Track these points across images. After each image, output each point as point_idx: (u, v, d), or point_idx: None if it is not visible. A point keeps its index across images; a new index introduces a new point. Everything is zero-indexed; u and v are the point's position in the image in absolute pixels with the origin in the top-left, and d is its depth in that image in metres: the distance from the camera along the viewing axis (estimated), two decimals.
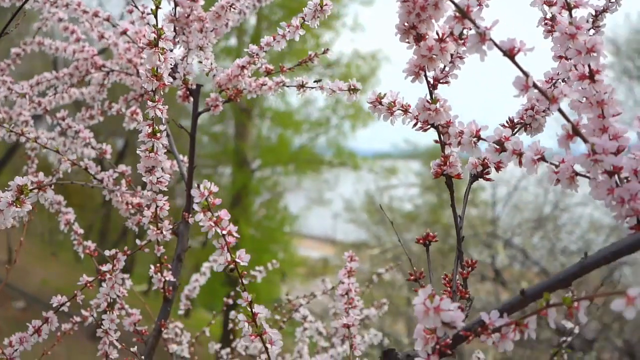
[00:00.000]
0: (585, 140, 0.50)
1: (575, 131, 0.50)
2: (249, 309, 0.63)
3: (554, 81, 0.68)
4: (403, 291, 7.25)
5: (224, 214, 0.62)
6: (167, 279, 0.96)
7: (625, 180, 0.51)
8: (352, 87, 0.83)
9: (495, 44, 0.49)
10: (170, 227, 0.89)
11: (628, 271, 6.01)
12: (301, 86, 0.93)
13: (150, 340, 0.98)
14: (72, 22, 1.24)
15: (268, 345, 0.63)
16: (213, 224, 0.61)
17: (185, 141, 1.07)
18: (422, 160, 11.35)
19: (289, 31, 0.87)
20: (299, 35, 0.87)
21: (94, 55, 1.18)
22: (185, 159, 1.09)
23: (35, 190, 0.64)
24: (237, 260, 0.62)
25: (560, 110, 0.50)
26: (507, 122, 0.68)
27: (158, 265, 0.95)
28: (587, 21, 0.71)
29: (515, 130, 0.68)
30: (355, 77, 0.80)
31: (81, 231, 1.08)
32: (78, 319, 1.13)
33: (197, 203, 0.60)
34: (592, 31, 0.71)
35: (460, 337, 0.53)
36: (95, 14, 1.08)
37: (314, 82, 0.95)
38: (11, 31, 0.76)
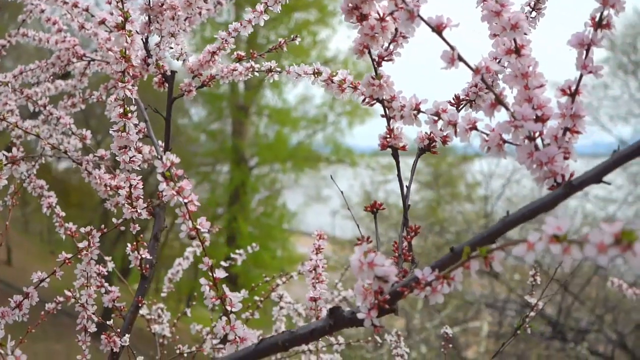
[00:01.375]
0: (507, 109, 0.54)
1: (498, 100, 0.55)
2: (210, 274, 0.68)
3: (497, 60, 0.72)
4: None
5: (186, 183, 0.66)
6: (143, 256, 1.00)
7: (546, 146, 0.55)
8: (316, 70, 0.87)
9: (424, 20, 0.54)
10: (145, 205, 0.94)
11: (620, 261, 6.05)
12: (269, 70, 0.98)
13: (128, 316, 1.02)
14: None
15: (228, 308, 0.68)
16: (175, 193, 0.65)
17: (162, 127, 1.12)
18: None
19: (254, 16, 0.92)
20: (263, 21, 0.92)
21: (75, 45, 1.22)
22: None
23: (9, 165, 0.68)
24: (197, 227, 0.66)
25: (483, 81, 0.54)
26: (453, 98, 0.72)
27: (135, 243, 0.99)
28: (529, 4, 0.76)
29: (461, 106, 0.72)
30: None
31: (63, 214, 1.12)
32: (61, 298, 1.18)
33: (159, 173, 0.64)
34: (533, 13, 0.75)
35: (397, 293, 0.57)
36: (75, 5, 1.12)
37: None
38: None
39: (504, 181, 7.05)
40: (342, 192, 0.95)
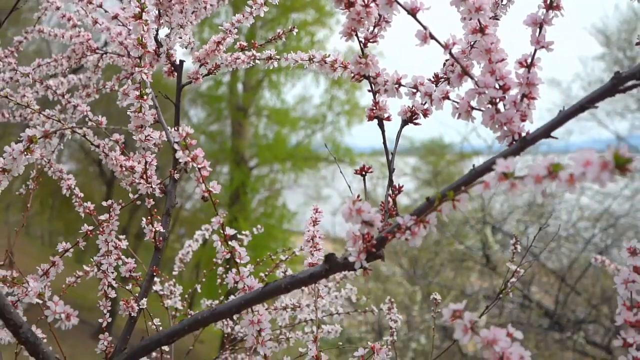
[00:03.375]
0: (472, 78, 0.64)
1: (464, 71, 0.64)
2: (222, 231, 0.78)
3: (470, 44, 0.82)
4: (402, 287, 7.41)
5: (199, 152, 0.76)
6: (157, 229, 1.10)
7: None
8: (311, 57, 0.97)
9: (400, 4, 0.64)
10: (159, 181, 1.04)
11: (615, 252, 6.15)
12: (269, 58, 1.07)
13: (144, 284, 1.12)
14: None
15: (237, 260, 0.78)
16: (190, 160, 0.75)
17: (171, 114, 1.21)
18: (418, 155, 11.49)
19: (255, 8, 1.02)
20: (263, 12, 1.02)
21: (89, 39, 1.32)
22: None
23: (43, 139, 0.78)
24: (210, 189, 0.76)
25: (451, 55, 0.64)
26: (433, 76, 0.82)
27: (149, 217, 1.09)
28: None
29: (440, 83, 0.82)
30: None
31: (81, 195, 1.22)
32: (80, 273, 1.28)
33: (176, 142, 0.74)
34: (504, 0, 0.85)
35: (382, 238, 0.67)
36: (89, 2, 1.22)
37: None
38: (21, 7, 0.90)
39: None
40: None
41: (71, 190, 1.23)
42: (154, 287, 1.40)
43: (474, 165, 0.64)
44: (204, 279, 1.57)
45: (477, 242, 6.34)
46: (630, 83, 0.58)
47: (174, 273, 1.52)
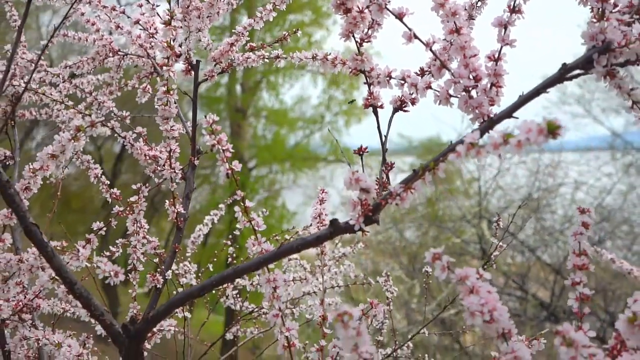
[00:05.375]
0: (449, 70, 0.78)
1: (442, 65, 0.79)
2: (242, 203, 0.92)
3: (450, 42, 0.95)
4: (401, 285, 7.56)
5: (223, 136, 0.90)
6: (179, 210, 1.24)
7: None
8: (314, 55, 1.11)
9: (389, 11, 0.78)
10: (181, 167, 1.18)
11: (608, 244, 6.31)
12: (277, 57, 1.22)
13: (167, 260, 1.26)
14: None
15: (256, 228, 0.92)
16: (216, 142, 0.89)
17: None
18: (416, 154, 11.64)
19: (265, 14, 1.16)
20: (272, 17, 1.16)
21: (111, 42, 1.46)
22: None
23: (90, 127, 0.91)
24: (232, 167, 0.90)
25: (432, 52, 0.78)
26: (419, 69, 0.96)
27: (172, 199, 1.23)
28: None
29: (425, 75, 0.96)
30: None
31: (107, 182, 1.36)
32: (108, 253, 1.41)
33: (204, 128, 0.88)
34: (479, 3, 0.99)
35: (378, 204, 0.81)
36: (113, 9, 1.36)
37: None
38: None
39: (495, 171, 7.31)
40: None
41: (98, 179, 1.37)
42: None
43: (451, 142, 0.78)
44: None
45: (474, 235, 6.49)
46: (575, 72, 0.72)
47: (187, 254, 1.67)
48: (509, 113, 0.75)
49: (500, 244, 1.34)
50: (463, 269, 0.67)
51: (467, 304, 0.65)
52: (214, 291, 1.74)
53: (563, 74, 0.72)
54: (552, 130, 0.55)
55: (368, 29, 0.88)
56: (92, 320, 1.31)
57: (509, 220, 1.38)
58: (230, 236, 1.93)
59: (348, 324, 0.60)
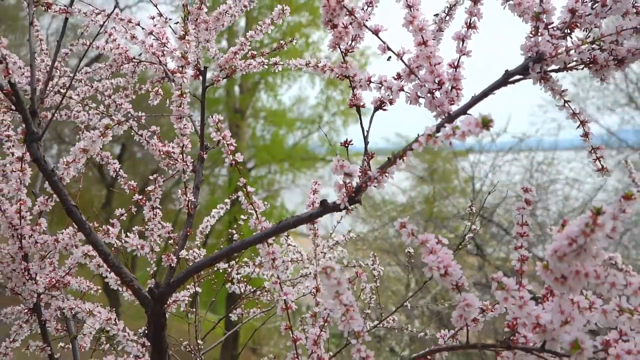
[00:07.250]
0: (416, 76, 0.96)
1: (411, 71, 0.96)
2: (245, 189, 1.09)
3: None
4: (401, 284, 7.73)
5: (227, 132, 1.07)
6: (190, 199, 1.41)
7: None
8: (307, 62, 1.28)
9: (367, 27, 0.95)
10: (192, 160, 1.35)
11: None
12: (275, 64, 1.39)
13: (180, 242, 1.43)
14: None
15: (257, 209, 1.09)
16: (221, 138, 1.06)
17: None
18: (413, 154, 11.77)
19: (264, 27, 1.33)
20: (270, 30, 1.33)
21: (127, 50, 1.63)
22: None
23: (116, 126, 1.08)
24: (236, 158, 1.07)
25: (402, 60, 0.95)
26: (395, 74, 1.13)
27: (184, 189, 1.40)
28: (444, 11, 1.17)
29: (400, 79, 1.13)
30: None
31: (125, 175, 1.53)
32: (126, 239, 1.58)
33: (211, 126, 1.05)
34: (447, 17, 1.16)
35: (359, 187, 0.98)
36: (129, 20, 1.53)
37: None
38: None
39: (489, 168, 7.49)
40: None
41: (117, 173, 1.54)
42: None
43: (418, 134, 0.95)
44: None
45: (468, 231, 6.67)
46: (516, 77, 0.89)
47: (196, 243, 1.84)
48: (463, 110, 0.92)
49: (474, 226, 1.50)
50: (424, 234, 0.83)
51: (427, 261, 0.82)
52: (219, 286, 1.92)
53: (506, 79, 0.89)
54: (485, 123, 0.72)
55: (352, 42, 1.05)
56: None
57: (482, 203, 1.55)
58: (232, 229, 2.10)
59: (331, 275, 0.77)
